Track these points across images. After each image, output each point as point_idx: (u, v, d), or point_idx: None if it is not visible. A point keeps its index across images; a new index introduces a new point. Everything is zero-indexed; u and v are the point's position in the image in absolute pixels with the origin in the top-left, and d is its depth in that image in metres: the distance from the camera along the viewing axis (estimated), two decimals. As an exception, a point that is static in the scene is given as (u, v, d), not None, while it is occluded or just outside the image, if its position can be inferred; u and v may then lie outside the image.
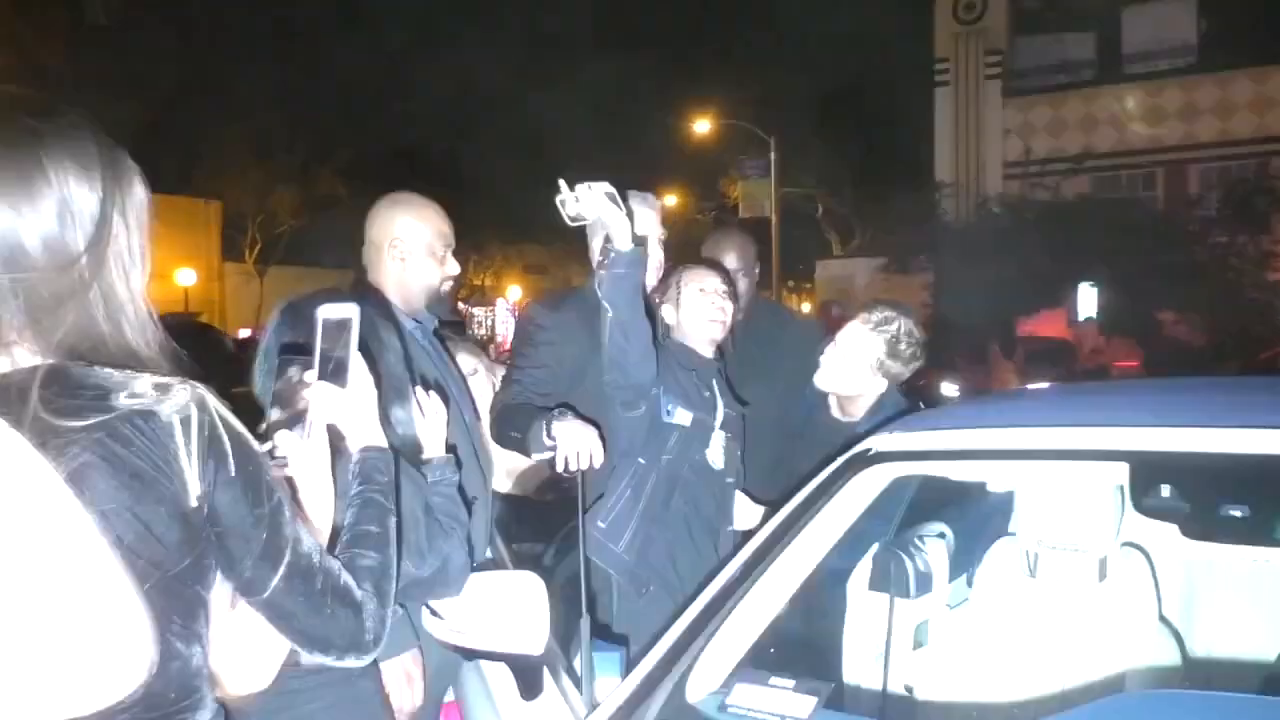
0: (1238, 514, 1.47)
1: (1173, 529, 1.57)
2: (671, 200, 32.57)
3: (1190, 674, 2.20)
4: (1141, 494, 1.60)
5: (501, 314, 28.82)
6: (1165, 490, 1.54)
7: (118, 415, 0.99)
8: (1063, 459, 1.80)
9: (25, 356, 1.01)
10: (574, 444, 2.40)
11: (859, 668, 2.54)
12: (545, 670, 1.76)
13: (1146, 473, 1.58)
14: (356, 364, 1.26)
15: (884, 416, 2.76)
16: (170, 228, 30.83)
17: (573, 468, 2.37)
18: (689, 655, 1.56)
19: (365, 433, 1.29)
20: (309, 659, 1.16)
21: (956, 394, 7.30)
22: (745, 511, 2.83)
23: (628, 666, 1.66)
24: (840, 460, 1.95)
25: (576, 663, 1.71)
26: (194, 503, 1.03)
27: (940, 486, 2.39)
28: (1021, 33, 24.44)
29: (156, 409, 1.01)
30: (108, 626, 0.98)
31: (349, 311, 1.26)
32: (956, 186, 21.66)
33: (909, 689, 2.39)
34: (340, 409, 1.27)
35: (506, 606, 1.63)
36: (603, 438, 2.50)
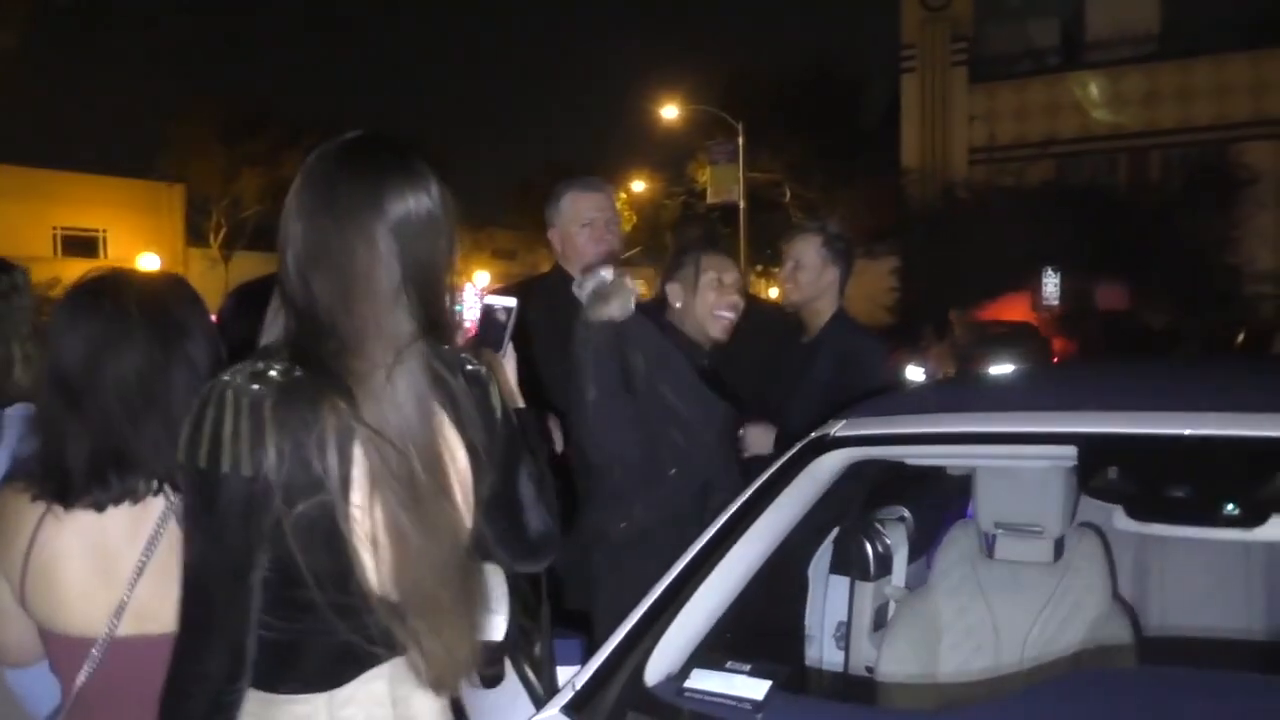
0: (1182, 495, 1.50)
1: (1121, 511, 1.60)
2: (639, 185, 32.59)
3: (1144, 650, 2.25)
4: (1088, 476, 1.62)
5: (469, 299, 28.67)
6: (1112, 472, 1.56)
7: (468, 377, 1.36)
8: (1012, 443, 1.83)
9: (410, 328, 1.29)
10: None
11: (820, 649, 2.57)
12: (505, 658, 1.76)
13: (1094, 456, 1.61)
14: (509, 344, 1.60)
15: (840, 327, 3.05)
16: (132, 211, 30.46)
17: None
18: (648, 640, 1.58)
19: (515, 395, 1.57)
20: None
21: (921, 377, 7.41)
22: (759, 437, 2.83)
23: (588, 654, 1.67)
24: (799, 445, 1.97)
25: (537, 650, 1.72)
26: (500, 441, 1.39)
27: (902, 470, 2.42)
28: (987, 19, 24.61)
29: (482, 374, 1.40)
30: (464, 515, 1.34)
31: (511, 302, 1.60)
32: (923, 172, 21.79)
33: (869, 669, 2.42)
34: (503, 374, 1.55)
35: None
36: (565, 427, 2.50)
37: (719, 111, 24.21)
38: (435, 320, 1.32)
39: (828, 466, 1.92)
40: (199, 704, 1.23)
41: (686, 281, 2.77)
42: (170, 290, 1.58)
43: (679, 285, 2.79)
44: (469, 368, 1.38)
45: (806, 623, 2.58)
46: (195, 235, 30.59)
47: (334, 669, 1.30)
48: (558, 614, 1.75)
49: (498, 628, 1.60)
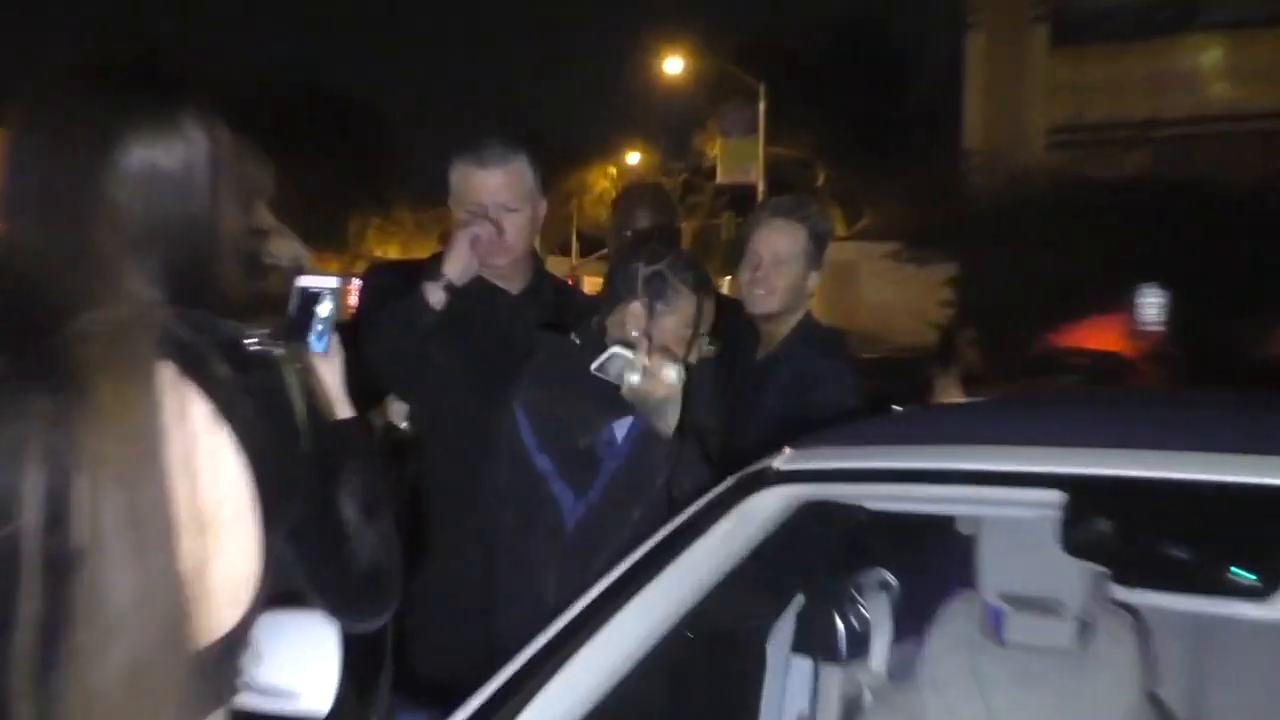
0: (1181, 556, 1.52)
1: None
2: (634, 158, 32.79)
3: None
4: (1074, 528, 1.64)
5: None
6: (1103, 524, 1.58)
7: (247, 360, 1.32)
8: (988, 484, 1.84)
9: (150, 297, 1.29)
10: None
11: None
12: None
13: (1085, 502, 1.63)
14: (333, 336, 1.59)
15: (802, 343, 3.08)
16: None
17: None
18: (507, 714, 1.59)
19: (341, 402, 1.59)
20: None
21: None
22: None
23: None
24: (730, 480, 1.98)
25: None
26: (304, 446, 1.37)
27: (885, 523, 2.43)
28: (1079, -33, 24.79)
29: (275, 357, 1.36)
30: (239, 553, 1.29)
31: (332, 283, 1.59)
32: (989, 157, 21.84)
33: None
34: (322, 373, 1.57)
35: (291, 656, 1.65)
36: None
37: (735, 69, 24.30)
38: (193, 289, 1.33)
39: (765, 507, 1.94)
40: None
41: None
42: None
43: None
44: (253, 346, 1.35)
45: (761, 712, 2.59)
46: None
47: None
48: (404, 679, 1.76)
49: (323, 694, 1.61)
